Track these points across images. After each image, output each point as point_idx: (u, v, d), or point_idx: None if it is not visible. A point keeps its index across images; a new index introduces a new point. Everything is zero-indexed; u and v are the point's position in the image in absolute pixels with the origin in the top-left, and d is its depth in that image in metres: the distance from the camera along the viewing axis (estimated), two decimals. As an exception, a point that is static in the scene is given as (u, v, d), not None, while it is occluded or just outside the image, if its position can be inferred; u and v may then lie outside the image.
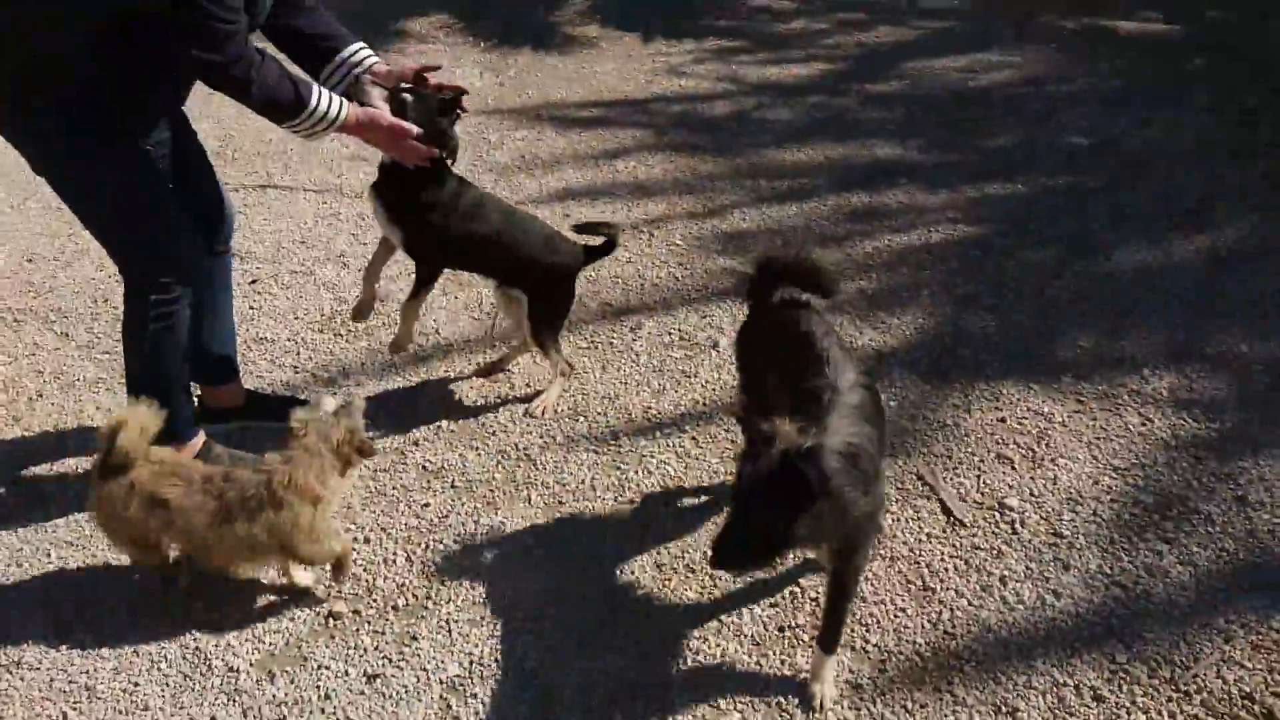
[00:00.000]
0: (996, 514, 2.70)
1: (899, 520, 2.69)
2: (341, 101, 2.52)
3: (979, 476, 2.83)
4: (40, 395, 3.31)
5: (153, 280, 2.56)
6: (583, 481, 2.87)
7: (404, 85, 2.72)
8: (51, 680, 2.31)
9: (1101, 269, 3.84)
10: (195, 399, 2.98)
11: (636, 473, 2.90)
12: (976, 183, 4.59)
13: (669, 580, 2.52)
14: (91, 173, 2.43)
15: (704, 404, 3.19)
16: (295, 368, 3.45)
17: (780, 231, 4.22)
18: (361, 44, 2.72)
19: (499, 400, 3.23)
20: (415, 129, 2.64)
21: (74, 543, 2.71)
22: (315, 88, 2.46)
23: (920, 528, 2.67)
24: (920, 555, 2.58)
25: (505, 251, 3.00)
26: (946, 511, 2.71)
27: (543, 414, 3.14)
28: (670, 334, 3.55)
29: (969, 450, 2.94)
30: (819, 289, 2.52)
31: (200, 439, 2.86)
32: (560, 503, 2.80)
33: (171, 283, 2.58)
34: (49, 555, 2.67)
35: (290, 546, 2.35)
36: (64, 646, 2.39)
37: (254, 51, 2.34)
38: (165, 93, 2.53)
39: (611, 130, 5.32)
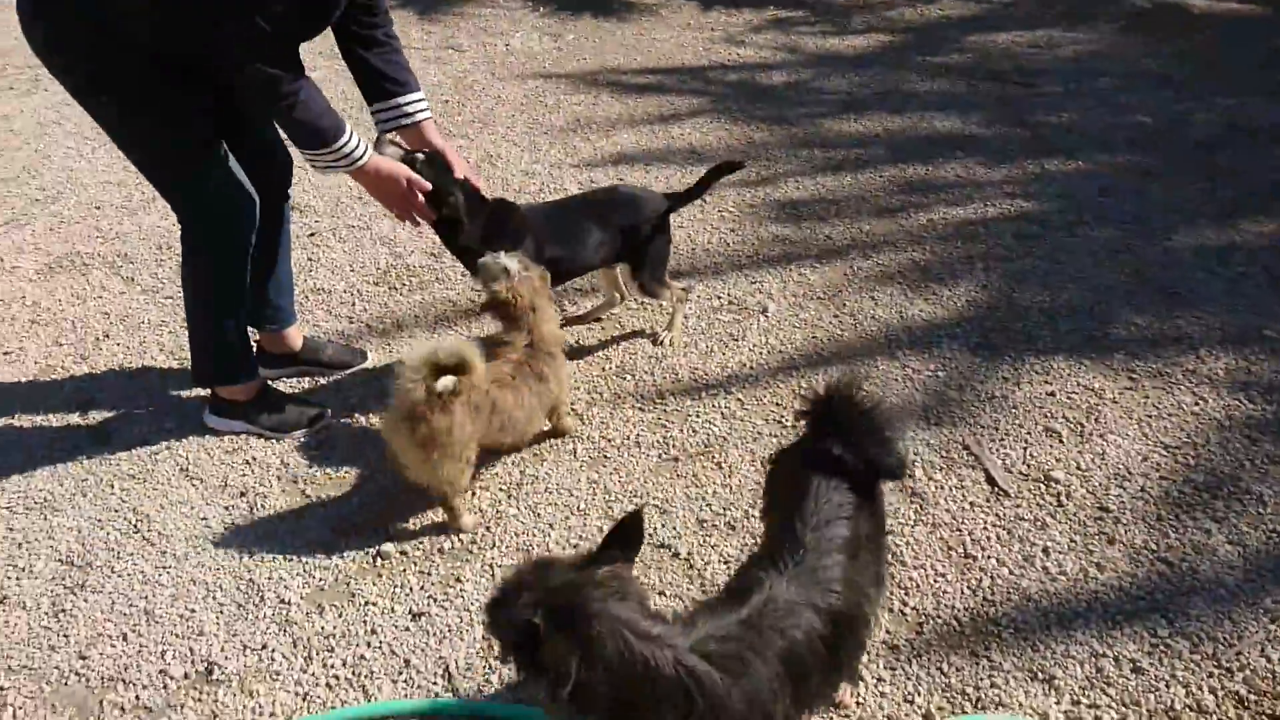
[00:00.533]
0: (1042, 486, 2.68)
1: (942, 488, 2.69)
2: (367, 147, 2.59)
3: (1025, 449, 2.81)
4: (107, 336, 3.41)
5: (207, 225, 2.64)
6: (627, 438, 2.90)
7: (424, 151, 2.79)
8: (113, 603, 2.40)
9: (1161, 249, 3.77)
10: (254, 344, 3.05)
11: (681, 431, 2.92)
12: (1036, 158, 4.52)
13: (709, 536, 2.55)
14: (139, 119, 2.48)
15: (750, 367, 3.20)
16: (350, 318, 3.52)
17: (834, 201, 4.20)
18: (421, 96, 2.80)
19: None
20: (427, 185, 2.70)
21: (135, 475, 2.80)
22: (349, 127, 2.54)
23: (964, 496, 2.66)
24: (963, 523, 2.57)
25: (599, 245, 3.06)
26: (991, 481, 2.70)
27: (671, 344, 3.29)
28: (719, 298, 3.56)
29: (1016, 423, 2.92)
30: (878, 460, 1.89)
31: (258, 382, 2.93)
32: (605, 457, 2.84)
33: (226, 228, 2.65)
34: (112, 488, 2.77)
35: (561, 400, 2.78)
36: (125, 573, 2.48)
37: (303, 71, 2.43)
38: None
39: (668, 97, 5.32)
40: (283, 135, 2.68)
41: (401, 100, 2.76)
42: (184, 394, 3.12)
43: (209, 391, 2.93)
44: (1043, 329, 3.33)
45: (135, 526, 2.63)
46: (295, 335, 3.16)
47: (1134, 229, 3.92)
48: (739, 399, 3.05)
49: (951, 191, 4.26)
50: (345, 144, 2.51)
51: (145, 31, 2.32)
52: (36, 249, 3.95)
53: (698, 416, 2.98)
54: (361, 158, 2.56)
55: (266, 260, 2.94)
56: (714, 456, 2.83)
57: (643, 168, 4.53)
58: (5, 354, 3.33)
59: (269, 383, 3.01)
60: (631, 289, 3.25)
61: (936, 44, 5.97)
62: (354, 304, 3.59)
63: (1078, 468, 2.74)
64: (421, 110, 2.80)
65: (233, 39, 2.28)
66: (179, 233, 2.69)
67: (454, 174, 2.81)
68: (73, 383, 3.18)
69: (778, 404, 3.02)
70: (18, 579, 2.48)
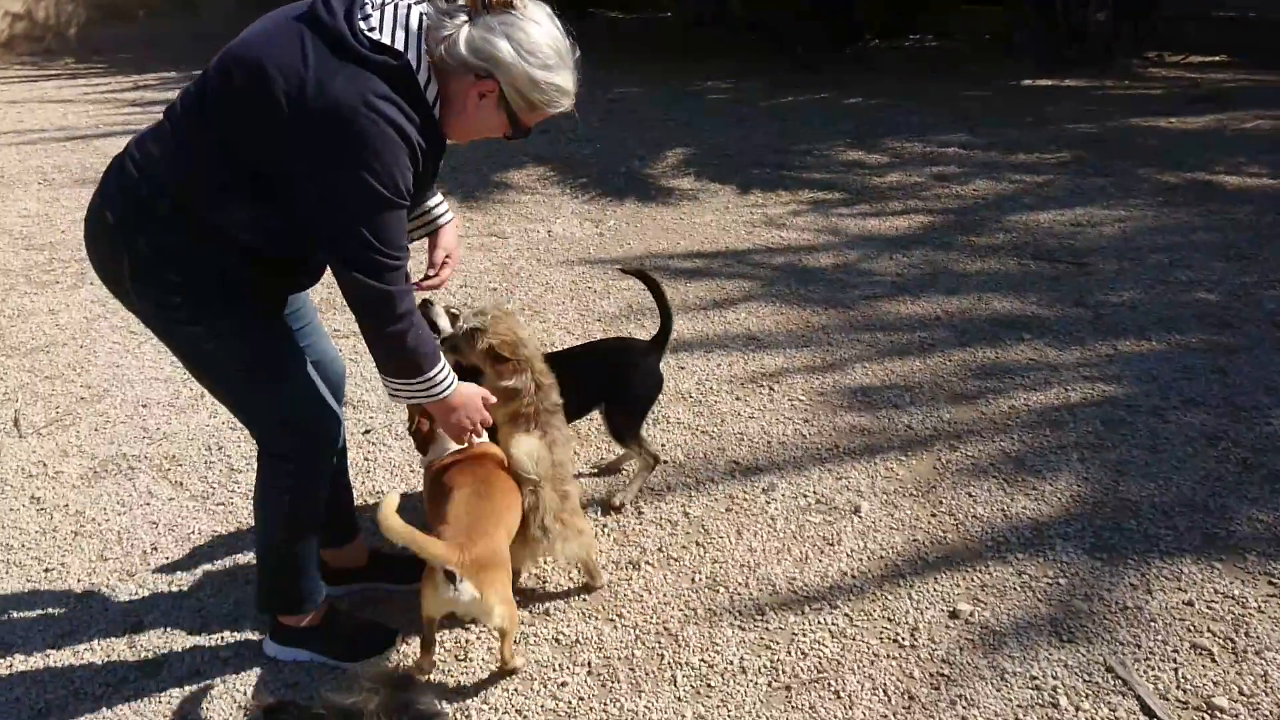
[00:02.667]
0: (1206, 716, 2.40)
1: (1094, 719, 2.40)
2: (454, 379, 2.38)
3: (1176, 670, 2.54)
4: (155, 548, 3.19)
5: (286, 445, 2.46)
6: (731, 663, 2.64)
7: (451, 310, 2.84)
8: None
9: (1260, 434, 3.59)
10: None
11: (789, 654, 2.65)
12: (1106, 339, 4.41)
13: (841, 784, 2.25)
14: (222, 340, 2.31)
15: (852, 575, 2.96)
16: (412, 524, 3.29)
17: (907, 387, 4.05)
18: (440, 199, 2.63)
19: (629, 565, 3.04)
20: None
21: (188, 717, 2.52)
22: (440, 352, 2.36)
23: (1120, 730, 2.37)
24: (1123, 763, 2.28)
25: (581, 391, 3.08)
26: (1148, 712, 2.41)
27: (621, 508, 3.17)
28: (805, 496, 3.35)
29: (1159, 638, 2.65)
30: None
31: (324, 607, 2.69)
32: (709, 686, 2.56)
33: (304, 448, 2.48)
34: (163, 730, 2.49)
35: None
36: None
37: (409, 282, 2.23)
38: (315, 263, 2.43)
39: (717, 281, 5.27)
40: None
41: (428, 205, 2.58)
42: (239, 619, 2.86)
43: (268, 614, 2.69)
44: (1160, 527, 3.11)
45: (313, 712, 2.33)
46: (361, 548, 2.94)
47: (1226, 412, 3.75)
48: (847, 614, 2.79)
49: (1027, 375, 4.12)
50: (439, 372, 2.31)
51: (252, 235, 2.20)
52: (81, 451, 3.78)
53: (804, 636, 2.72)
54: (449, 388, 2.36)
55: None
56: (829, 684, 2.55)
57: (703, 355, 4.41)
58: (46, 571, 3.10)
59: (333, 604, 2.76)
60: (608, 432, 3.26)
61: (978, 224, 5.99)
62: (416, 508, 3.38)
63: (1240, 692, 2.46)
64: (444, 214, 2.63)
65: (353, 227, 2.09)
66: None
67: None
68: (119, 606, 2.94)
69: (890, 619, 2.77)
70: None
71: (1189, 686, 2.49)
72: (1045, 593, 2.85)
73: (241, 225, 2.16)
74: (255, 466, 2.55)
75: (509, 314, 2.94)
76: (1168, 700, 2.45)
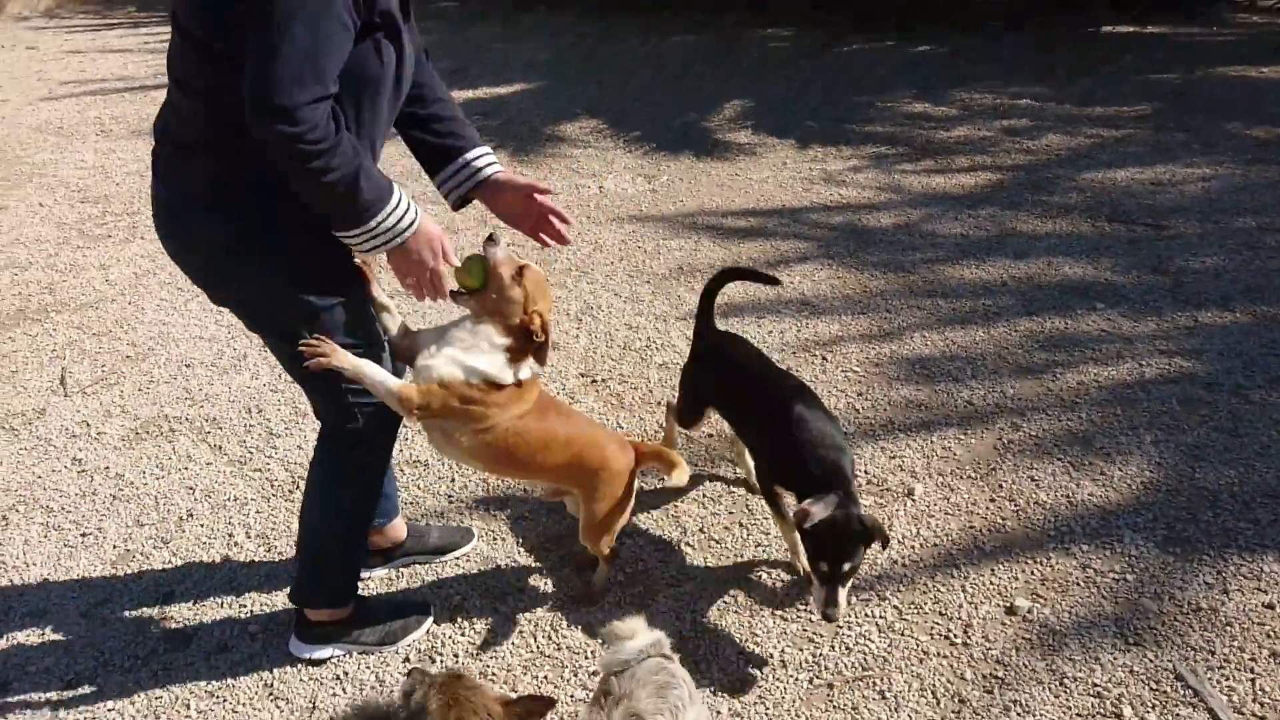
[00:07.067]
0: (1285, 733, 2.22)
1: (1160, 732, 2.24)
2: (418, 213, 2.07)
3: (1254, 681, 2.35)
4: (190, 515, 3.16)
5: (352, 429, 2.32)
6: (770, 656, 2.51)
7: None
8: None
9: (1356, 418, 3.33)
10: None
11: (833, 649, 2.52)
12: (1186, 309, 4.13)
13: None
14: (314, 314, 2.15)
15: (903, 564, 2.81)
16: (450, 495, 3.22)
17: (969, 359, 3.84)
18: (487, 149, 2.35)
19: (668, 545, 2.92)
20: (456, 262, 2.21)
21: (214, 693, 2.49)
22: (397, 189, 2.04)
23: (1188, 745, 2.21)
24: (1192, 781, 2.12)
25: None
26: (1220, 726, 2.24)
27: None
28: (856, 476, 3.18)
29: (1235, 644, 2.46)
30: None
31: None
32: (746, 680, 2.44)
33: (368, 432, 2.34)
34: (188, 708, 2.45)
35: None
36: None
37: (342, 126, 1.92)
38: None
39: (771, 241, 5.07)
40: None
41: (470, 156, 2.30)
42: (269, 591, 2.82)
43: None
44: (1240, 520, 2.89)
45: (211, 760, 2.30)
46: (400, 526, 2.86)
47: (1317, 393, 3.49)
48: (895, 606, 2.65)
49: (1098, 348, 3.88)
50: (389, 213, 2.00)
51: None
52: (124, 412, 3.76)
53: (849, 629, 2.58)
54: (409, 226, 2.04)
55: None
56: (874, 682, 2.42)
57: (754, 319, 4.24)
58: (84, 535, 3.09)
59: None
60: None
61: (1050, 182, 5.67)
62: (453, 479, 3.30)
63: (1324, 708, 2.27)
64: (491, 164, 2.33)
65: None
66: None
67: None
68: (152, 574, 2.91)
69: (942, 614, 2.61)
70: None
71: (1267, 700, 2.30)
72: (1111, 589, 2.67)
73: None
74: (313, 453, 2.43)
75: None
76: (1242, 714, 2.27)
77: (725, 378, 2.93)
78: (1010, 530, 2.92)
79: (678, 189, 5.90)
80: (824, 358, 3.91)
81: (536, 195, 2.32)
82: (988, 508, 3.02)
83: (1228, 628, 2.51)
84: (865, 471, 3.21)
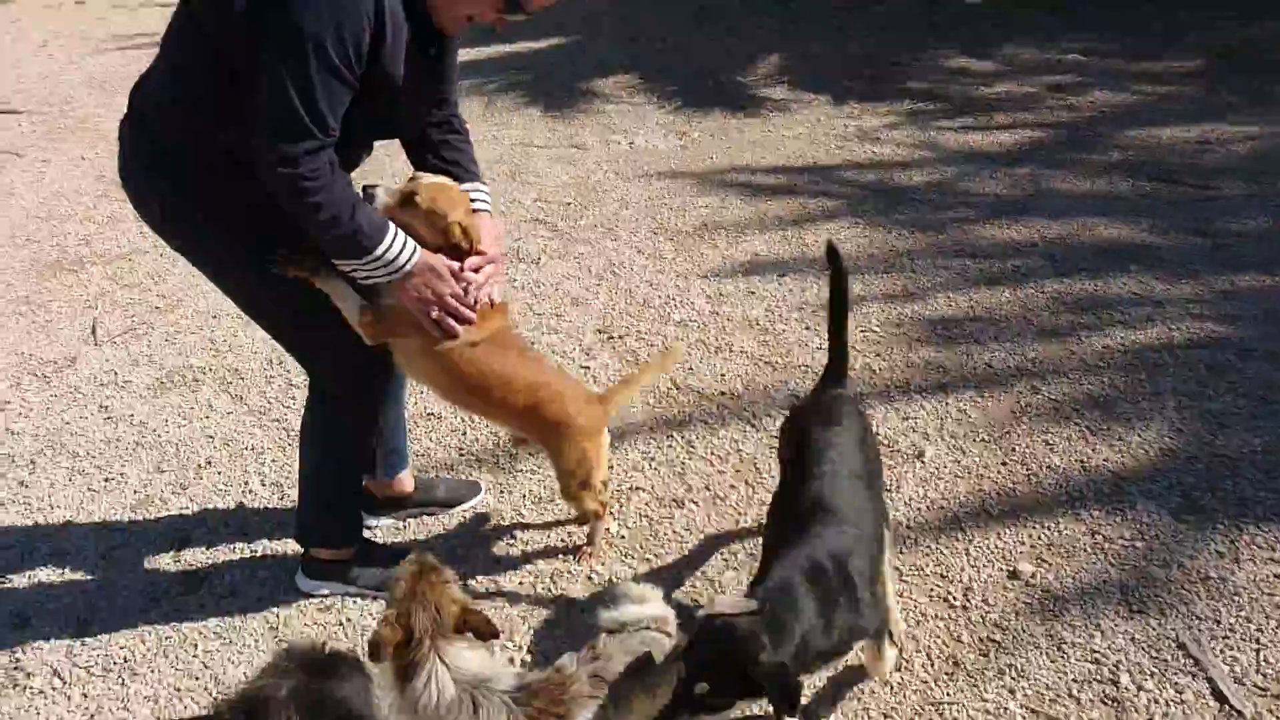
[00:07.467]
0: (1286, 705, 2.17)
1: (1156, 701, 2.20)
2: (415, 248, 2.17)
3: (1258, 652, 2.30)
4: (209, 463, 3.23)
5: (338, 388, 2.41)
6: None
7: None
8: None
9: (1393, 387, 3.21)
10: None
11: (830, 607, 2.51)
12: (1223, 273, 4.01)
13: (869, 752, 2.13)
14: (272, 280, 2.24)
15: (908, 525, 2.79)
16: (460, 448, 3.25)
17: (992, 320, 3.77)
18: (482, 186, 2.41)
19: (673, 502, 2.92)
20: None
21: (221, 634, 2.56)
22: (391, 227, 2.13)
23: (1184, 714, 2.17)
24: (1185, 750, 2.09)
25: None
26: (1219, 696, 2.20)
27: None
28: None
29: (1242, 615, 2.41)
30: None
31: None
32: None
33: (356, 392, 2.42)
34: (196, 648, 2.52)
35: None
36: None
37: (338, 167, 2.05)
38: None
39: (800, 199, 5.00)
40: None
41: (465, 188, 2.35)
42: (280, 538, 2.88)
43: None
44: (1259, 489, 2.82)
45: (215, 700, 2.36)
46: (408, 478, 2.90)
47: (1354, 361, 3.37)
48: (895, 568, 2.63)
49: (1127, 311, 3.78)
50: (387, 248, 2.10)
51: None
52: (150, 361, 3.85)
53: (848, 589, 2.57)
54: (408, 261, 2.14)
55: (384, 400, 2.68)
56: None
57: (775, 278, 4.20)
58: (107, 480, 3.18)
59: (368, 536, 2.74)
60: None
61: (1092, 140, 5.50)
62: (464, 433, 3.33)
63: (1330, 682, 2.22)
64: (480, 200, 2.38)
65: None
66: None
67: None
68: (169, 519, 2.99)
69: (943, 576, 2.59)
70: (88, 759, 2.23)
71: (1270, 671, 2.26)
72: (1118, 556, 2.62)
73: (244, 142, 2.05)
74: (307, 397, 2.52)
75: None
76: (1243, 685, 2.23)
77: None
78: (1020, 494, 2.88)
79: (709, 145, 5.83)
80: (844, 317, 3.86)
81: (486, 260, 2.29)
82: (999, 471, 2.97)
83: (1235, 597, 2.46)
84: (877, 432, 3.17)
